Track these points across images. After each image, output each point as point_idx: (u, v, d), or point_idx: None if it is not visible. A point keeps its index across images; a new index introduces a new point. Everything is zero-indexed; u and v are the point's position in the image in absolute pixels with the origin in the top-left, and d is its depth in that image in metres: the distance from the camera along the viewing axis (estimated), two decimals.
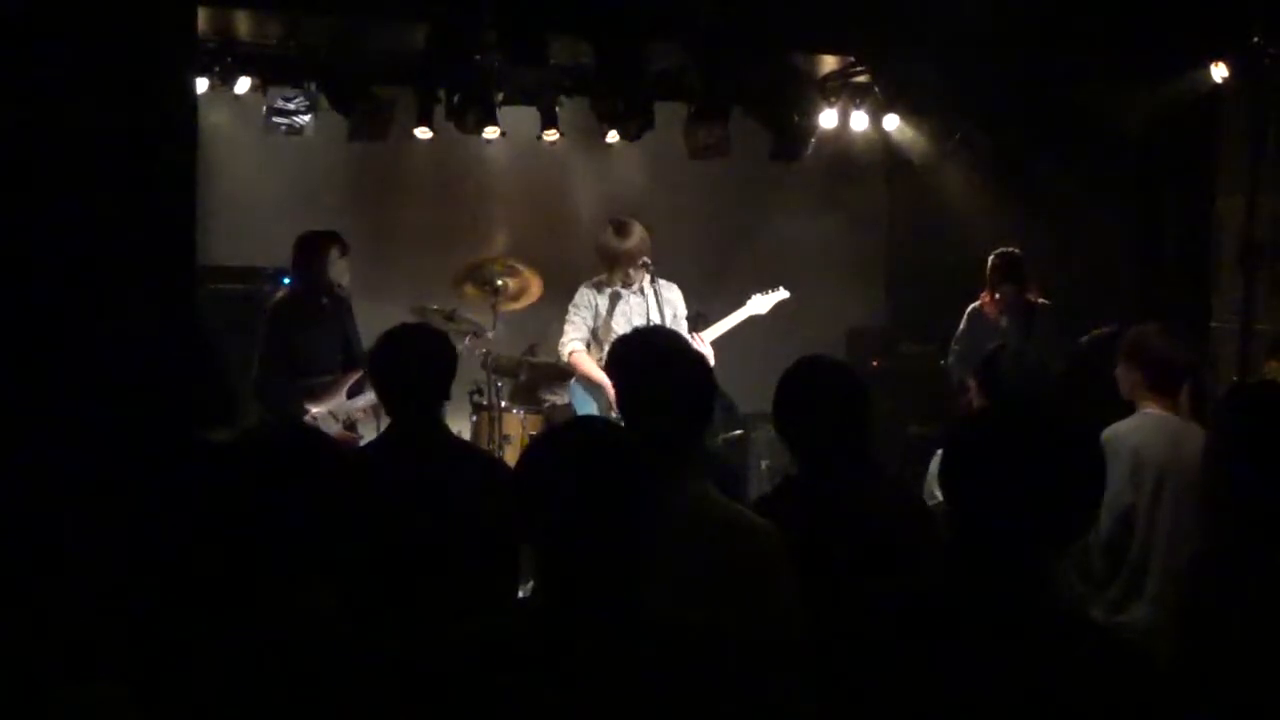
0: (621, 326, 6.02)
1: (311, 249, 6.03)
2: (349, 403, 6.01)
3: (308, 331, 6.02)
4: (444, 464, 3.44)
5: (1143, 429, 3.97)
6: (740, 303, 6.65)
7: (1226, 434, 2.89)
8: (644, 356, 2.93)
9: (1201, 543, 2.92)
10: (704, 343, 6.14)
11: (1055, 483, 2.01)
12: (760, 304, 6.61)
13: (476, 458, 3.93)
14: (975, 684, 1.97)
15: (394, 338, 3.56)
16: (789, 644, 2.58)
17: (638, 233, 6.02)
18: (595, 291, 6.21)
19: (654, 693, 2.04)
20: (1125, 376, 4.09)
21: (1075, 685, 1.96)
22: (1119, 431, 3.98)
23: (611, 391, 5.97)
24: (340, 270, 6.02)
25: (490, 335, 6.85)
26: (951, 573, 2.07)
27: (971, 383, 5.48)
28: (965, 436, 2.13)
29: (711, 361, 5.89)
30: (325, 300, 6.04)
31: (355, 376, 5.94)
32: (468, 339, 6.71)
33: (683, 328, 6.15)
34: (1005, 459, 2.04)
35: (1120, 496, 3.88)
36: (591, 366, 6.16)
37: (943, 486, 2.13)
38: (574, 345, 6.22)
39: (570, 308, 6.30)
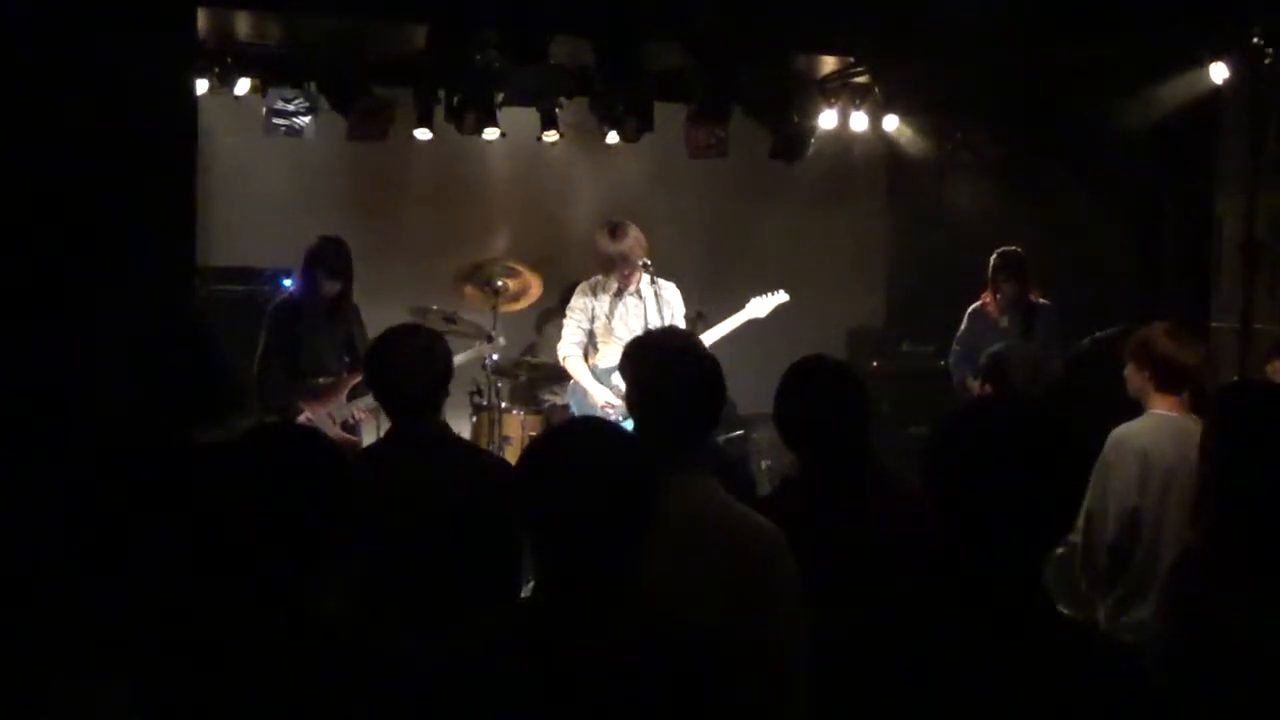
0: (620, 328, 6.00)
1: (304, 266, 6.07)
2: (348, 404, 6.02)
3: (308, 332, 6.03)
4: (445, 464, 3.44)
5: (1151, 430, 3.96)
6: (739, 303, 6.63)
7: (1220, 432, 2.89)
8: (654, 356, 2.92)
9: (1191, 539, 2.91)
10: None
11: (1038, 478, 1.99)
12: (759, 307, 6.58)
13: (478, 457, 3.93)
14: (971, 684, 1.96)
15: (388, 340, 3.55)
16: (790, 645, 2.58)
17: (632, 235, 5.98)
18: (591, 294, 6.19)
19: (655, 693, 2.03)
20: (1133, 376, 4.07)
21: (1069, 686, 1.95)
22: (1128, 433, 3.96)
23: (596, 398, 6.03)
24: (327, 291, 6.03)
25: (502, 341, 6.83)
26: (943, 572, 2.06)
27: (973, 382, 5.46)
28: (949, 431, 2.11)
29: None
30: (325, 303, 6.05)
31: (357, 379, 5.95)
32: (478, 344, 6.70)
33: (681, 326, 6.13)
34: (989, 453, 2.01)
35: (1127, 498, 3.87)
36: (581, 372, 6.15)
37: (924, 478, 2.10)
38: (567, 350, 6.21)
39: (567, 310, 6.30)
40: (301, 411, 5.89)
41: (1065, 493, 2.04)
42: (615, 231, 6.00)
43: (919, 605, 2.07)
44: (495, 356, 6.82)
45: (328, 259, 6.02)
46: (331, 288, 6.02)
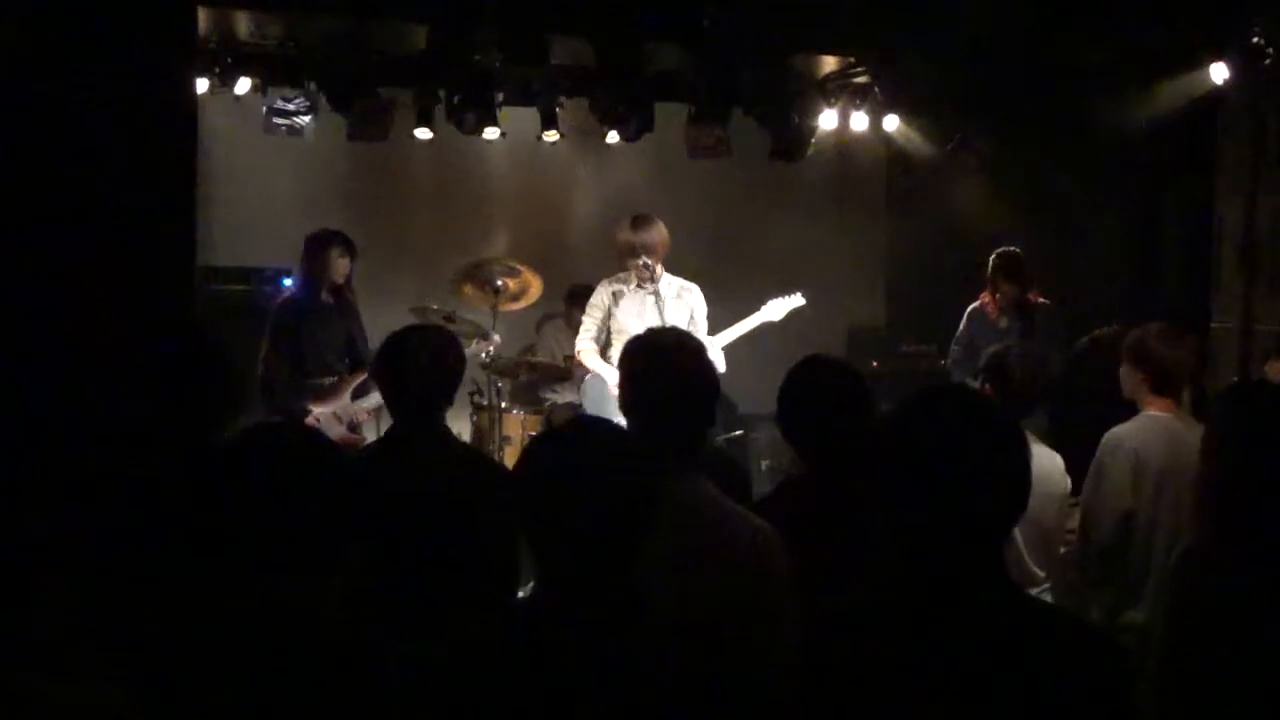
0: (632, 323, 5.96)
1: (315, 247, 6.05)
2: (353, 404, 6.02)
3: (311, 331, 6.03)
4: (444, 466, 3.44)
5: (1144, 431, 3.97)
6: (739, 303, 6.61)
7: (1222, 432, 2.90)
8: (645, 356, 2.92)
9: (1191, 538, 2.92)
10: (715, 346, 6.07)
11: (980, 462, 1.99)
12: (775, 309, 6.52)
13: (477, 460, 3.93)
14: (948, 675, 1.96)
15: (402, 339, 3.55)
16: (784, 644, 2.58)
17: (653, 230, 5.94)
18: (608, 289, 6.18)
19: (652, 692, 2.04)
20: (1128, 377, 4.09)
21: (1036, 668, 1.96)
22: (1120, 434, 3.98)
23: (608, 379, 6.00)
24: (339, 270, 6.03)
25: (498, 339, 6.84)
26: (920, 562, 2.06)
27: (973, 382, 5.46)
28: (895, 419, 2.11)
29: (722, 366, 5.83)
30: (327, 299, 6.06)
31: (360, 378, 5.96)
32: (475, 343, 6.70)
33: (703, 327, 6.10)
34: (931, 439, 2.01)
35: (1121, 499, 3.89)
36: (593, 360, 6.12)
37: (877, 464, 2.10)
38: (581, 344, 6.20)
39: (587, 306, 6.31)
40: (309, 411, 5.89)
41: (1005, 476, 2.04)
42: (635, 222, 5.98)
43: (904, 599, 2.07)
44: (491, 350, 6.81)
45: (339, 237, 6.05)
46: (343, 267, 6.03)
